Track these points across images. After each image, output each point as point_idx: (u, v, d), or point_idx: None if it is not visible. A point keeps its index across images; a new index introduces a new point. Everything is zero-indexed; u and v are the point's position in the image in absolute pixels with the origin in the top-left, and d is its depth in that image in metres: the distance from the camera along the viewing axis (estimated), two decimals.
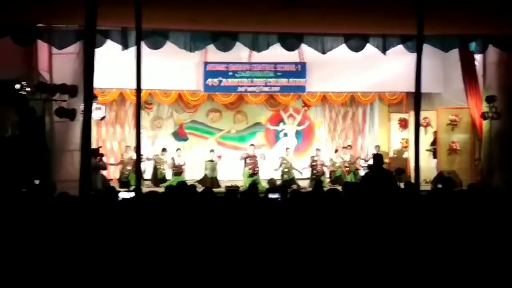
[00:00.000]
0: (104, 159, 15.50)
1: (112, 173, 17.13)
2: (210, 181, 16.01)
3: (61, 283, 5.42)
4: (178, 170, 16.43)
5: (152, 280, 5.52)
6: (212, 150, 16.89)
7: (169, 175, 16.69)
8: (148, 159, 16.45)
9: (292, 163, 16.78)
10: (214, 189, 9.92)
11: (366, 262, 5.70)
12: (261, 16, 12.03)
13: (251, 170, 16.21)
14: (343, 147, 17.87)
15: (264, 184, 14.92)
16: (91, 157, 10.02)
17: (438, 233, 6.05)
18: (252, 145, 17.10)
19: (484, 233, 6.03)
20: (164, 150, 16.80)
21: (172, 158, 16.57)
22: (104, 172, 15.72)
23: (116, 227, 5.82)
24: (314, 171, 16.73)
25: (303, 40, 14.42)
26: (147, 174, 16.66)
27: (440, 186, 12.89)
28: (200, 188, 12.35)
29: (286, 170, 16.53)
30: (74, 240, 5.58)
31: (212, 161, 16.56)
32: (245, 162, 16.42)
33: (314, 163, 16.81)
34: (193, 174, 16.74)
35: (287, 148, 17.24)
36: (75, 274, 5.41)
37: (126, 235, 5.71)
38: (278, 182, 16.11)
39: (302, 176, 16.91)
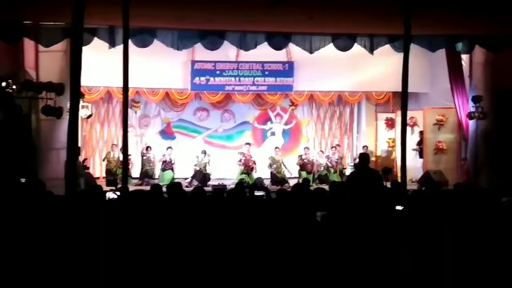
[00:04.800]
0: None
1: (99, 172, 17.10)
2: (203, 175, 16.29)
3: (46, 283, 5.40)
4: (166, 167, 16.45)
5: (137, 278, 5.52)
6: (204, 152, 16.86)
7: (157, 172, 16.80)
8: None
9: (283, 162, 16.87)
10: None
11: (353, 261, 5.72)
12: (249, 15, 12.04)
13: (244, 169, 16.30)
14: (332, 147, 17.93)
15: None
16: (78, 155, 10.03)
17: (424, 233, 6.07)
18: (247, 143, 17.19)
19: (470, 232, 6.06)
20: (148, 148, 16.80)
21: (163, 155, 16.61)
22: (90, 171, 15.73)
23: (103, 225, 5.80)
24: (303, 170, 16.77)
25: (291, 39, 14.42)
26: (135, 172, 16.74)
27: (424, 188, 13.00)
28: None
29: (275, 169, 16.59)
30: (60, 238, 5.56)
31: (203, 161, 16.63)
32: (240, 160, 16.53)
33: (302, 162, 16.86)
34: (180, 172, 16.75)
35: (276, 147, 17.28)
36: (60, 274, 5.40)
37: (112, 233, 5.70)
38: (267, 182, 16.20)
39: (291, 175, 16.98)
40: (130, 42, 9.96)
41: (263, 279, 5.58)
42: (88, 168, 15.71)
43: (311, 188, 11.71)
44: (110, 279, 5.45)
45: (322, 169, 17.09)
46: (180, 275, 5.55)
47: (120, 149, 15.04)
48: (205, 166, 16.57)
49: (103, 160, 16.85)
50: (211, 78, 16.92)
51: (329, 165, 17.12)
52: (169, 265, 5.58)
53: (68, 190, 7.70)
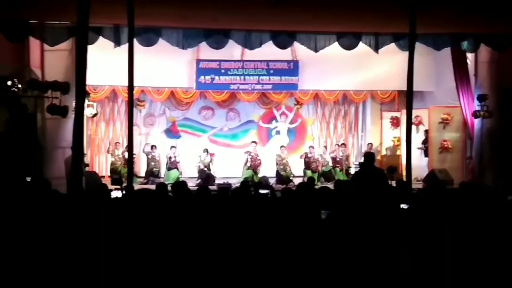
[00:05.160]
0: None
1: (104, 170, 17.12)
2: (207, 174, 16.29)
3: (51, 282, 5.42)
4: (171, 166, 16.47)
5: (143, 277, 5.52)
6: (205, 150, 16.88)
7: (162, 171, 16.82)
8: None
9: (288, 161, 16.89)
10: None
11: (358, 259, 5.72)
12: (254, 14, 12.03)
13: (251, 167, 16.31)
14: (337, 144, 17.94)
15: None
16: (83, 154, 10.03)
17: (430, 231, 6.07)
18: (253, 142, 17.21)
19: (476, 231, 6.05)
20: (153, 147, 16.84)
21: (168, 154, 16.64)
22: (96, 169, 15.74)
23: (103, 224, 5.81)
24: (308, 169, 16.78)
25: (296, 38, 14.39)
26: (141, 171, 16.81)
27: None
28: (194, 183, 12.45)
29: (282, 167, 16.61)
30: (64, 236, 5.58)
31: (205, 160, 16.65)
32: (246, 159, 16.57)
33: (307, 160, 16.88)
34: (186, 171, 16.78)
35: (282, 146, 17.28)
36: (65, 272, 5.41)
37: (117, 232, 5.71)
38: (272, 180, 16.20)
39: (294, 175, 16.97)
40: (135, 41, 9.97)
41: (268, 277, 5.59)
42: (87, 165, 15.72)
43: (316, 187, 11.71)
44: (116, 278, 5.46)
45: (326, 164, 17.11)
46: (186, 273, 5.56)
47: (125, 148, 15.07)
48: (208, 165, 16.58)
49: (108, 152, 16.90)
50: (216, 77, 16.95)
51: (333, 157, 17.15)
52: (174, 263, 5.59)
53: (70, 188, 7.72)
